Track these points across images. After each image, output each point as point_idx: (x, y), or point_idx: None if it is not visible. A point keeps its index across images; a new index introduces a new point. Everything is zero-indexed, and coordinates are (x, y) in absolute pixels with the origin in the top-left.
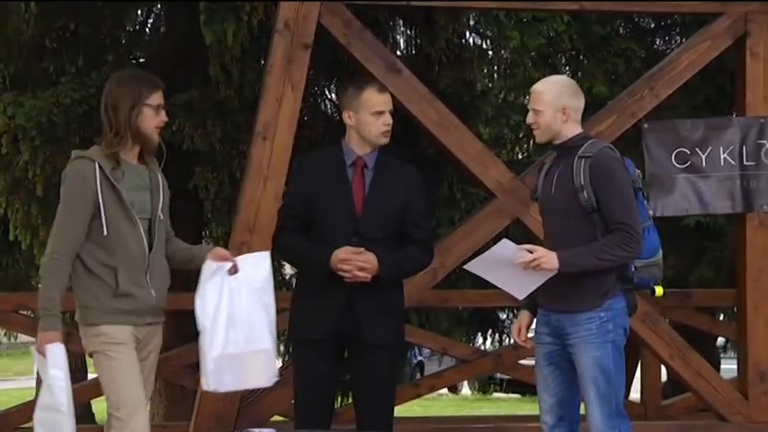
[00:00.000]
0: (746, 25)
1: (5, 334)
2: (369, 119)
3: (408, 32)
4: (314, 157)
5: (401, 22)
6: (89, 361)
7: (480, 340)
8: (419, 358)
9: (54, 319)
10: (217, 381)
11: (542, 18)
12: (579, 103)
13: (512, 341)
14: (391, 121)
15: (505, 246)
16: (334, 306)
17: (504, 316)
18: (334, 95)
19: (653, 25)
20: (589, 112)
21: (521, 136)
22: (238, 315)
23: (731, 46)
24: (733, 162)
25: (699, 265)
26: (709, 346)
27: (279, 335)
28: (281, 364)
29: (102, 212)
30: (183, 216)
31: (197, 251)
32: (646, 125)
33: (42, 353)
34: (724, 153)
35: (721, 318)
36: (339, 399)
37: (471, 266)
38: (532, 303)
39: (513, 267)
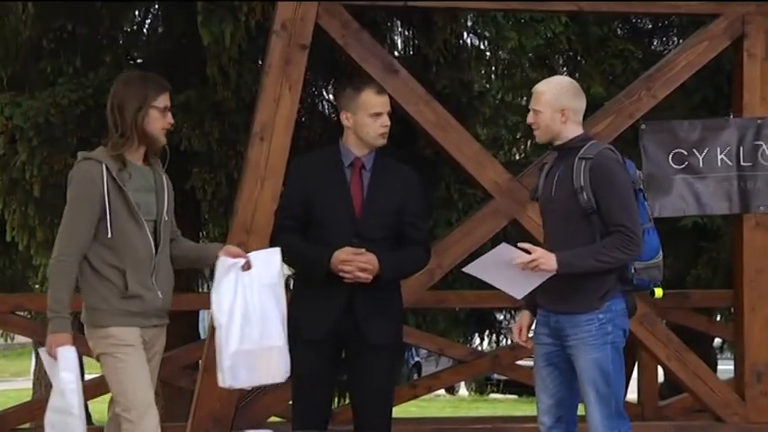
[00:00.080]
0: (744, 26)
1: (2, 335)
2: (367, 120)
3: (406, 33)
4: (311, 158)
5: (399, 22)
6: (87, 362)
7: (477, 341)
8: (416, 359)
9: (63, 321)
10: (233, 377)
11: (540, 19)
12: (579, 104)
13: (509, 342)
14: (389, 123)
15: (504, 249)
16: (334, 307)
17: (502, 317)
18: (331, 96)
19: (650, 26)
20: (586, 113)
21: (518, 137)
22: (252, 311)
23: (728, 47)
24: (730, 163)
25: (696, 265)
26: (706, 347)
27: None
28: None
29: (107, 214)
30: (180, 217)
31: (207, 249)
32: (643, 126)
33: (53, 355)
34: (721, 154)
35: (718, 318)
36: (336, 399)
37: (470, 269)
38: (533, 304)
39: (512, 269)
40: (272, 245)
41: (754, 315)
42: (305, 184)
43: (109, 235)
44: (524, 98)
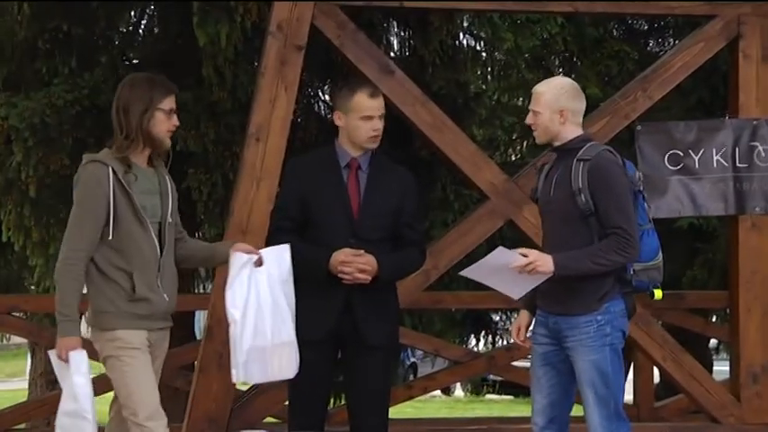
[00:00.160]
0: (739, 27)
1: None
2: (358, 123)
3: (402, 34)
4: (307, 158)
5: (395, 23)
6: None
7: (473, 342)
8: (412, 360)
9: (73, 324)
10: (246, 372)
11: (536, 20)
12: (579, 105)
13: (505, 343)
14: (380, 126)
15: (500, 253)
16: (332, 307)
17: (498, 318)
18: (327, 97)
19: (646, 27)
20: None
21: (514, 138)
22: (265, 308)
23: (724, 48)
24: (726, 164)
25: (691, 266)
26: (702, 348)
27: None
28: None
29: (111, 217)
30: None
31: (217, 248)
32: (639, 127)
33: (64, 359)
34: (717, 155)
35: (714, 319)
36: (332, 400)
37: (467, 273)
38: (531, 304)
39: (509, 272)
40: (268, 246)
41: (749, 316)
42: (301, 184)
43: (110, 237)
44: (520, 99)
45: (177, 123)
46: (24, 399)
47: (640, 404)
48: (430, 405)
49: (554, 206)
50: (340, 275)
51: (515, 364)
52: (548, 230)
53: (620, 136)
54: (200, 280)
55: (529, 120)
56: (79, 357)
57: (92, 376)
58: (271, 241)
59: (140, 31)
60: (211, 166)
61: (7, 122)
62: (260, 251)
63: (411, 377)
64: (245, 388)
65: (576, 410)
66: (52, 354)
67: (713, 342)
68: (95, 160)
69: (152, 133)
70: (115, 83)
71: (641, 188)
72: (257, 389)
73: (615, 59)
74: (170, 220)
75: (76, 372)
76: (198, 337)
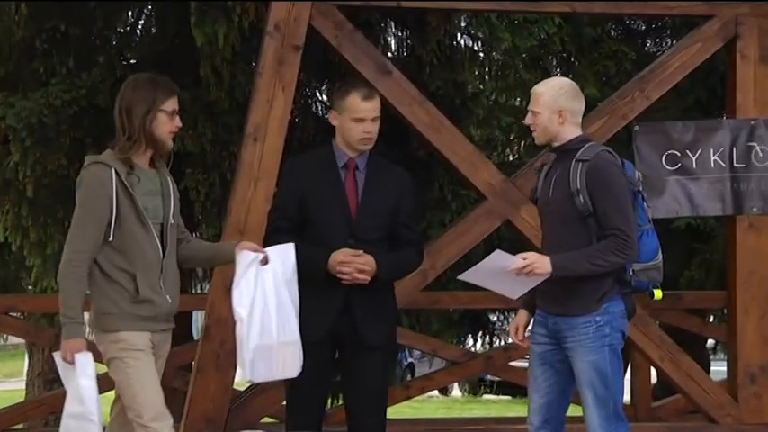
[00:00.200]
0: (737, 27)
1: None
2: (350, 124)
3: (400, 34)
4: (305, 158)
5: (393, 23)
6: None
7: (471, 342)
8: (410, 360)
9: (77, 326)
10: (252, 371)
11: (534, 20)
12: (578, 105)
13: (502, 343)
14: (372, 129)
15: (498, 255)
16: (331, 308)
17: (495, 318)
18: (325, 97)
19: (644, 27)
20: None
21: (512, 138)
22: (271, 306)
23: (722, 48)
24: (723, 164)
25: (689, 267)
26: (699, 348)
27: None
28: None
29: (113, 218)
30: None
31: (221, 248)
32: (636, 127)
33: (69, 361)
34: (714, 155)
35: (711, 320)
36: (329, 400)
37: (465, 276)
38: (530, 303)
39: (507, 274)
40: (266, 246)
41: (747, 316)
42: (298, 184)
43: (110, 238)
44: (518, 99)
45: (180, 125)
46: (22, 399)
47: (638, 404)
48: (427, 405)
49: (553, 207)
50: (339, 275)
51: (513, 364)
52: (547, 231)
53: (618, 136)
54: (198, 280)
55: (528, 120)
56: (85, 360)
57: None
58: (268, 241)
59: (138, 31)
60: (209, 166)
61: (4, 122)
62: (265, 250)
63: (408, 377)
64: (242, 388)
65: (575, 411)
66: (57, 356)
67: (711, 342)
68: (98, 162)
69: (154, 134)
70: (113, 83)
71: (641, 188)
72: (255, 389)
73: (613, 60)
74: (172, 222)
75: (82, 374)
76: (195, 338)
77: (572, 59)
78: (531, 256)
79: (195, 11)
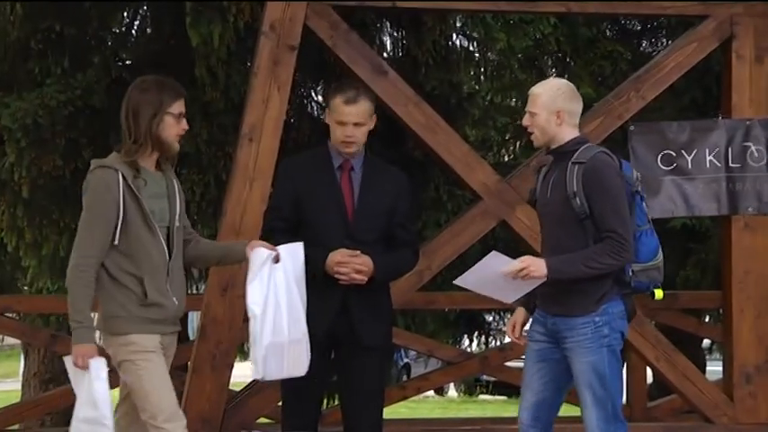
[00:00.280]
0: (732, 27)
1: None
2: (333, 125)
3: (395, 34)
4: (301, 159)
5: (388, 23)
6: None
7: (466, 342)
8: (405, 360)
9: (87, 331)
10: (264, 368)
11: (529, 20)
12: (575, 106)
13: (498, 343)
14: (354, 134)
15: (493, 257)
16: (329, 308)
17: (491, 318)
18: (320, 97)
19: (639, 27)
20: None
21: (507, 138)
22: (282, 304)
23: (717, 48)
24: (719, 164)
25: (684, 267)
26: (695, 348)
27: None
28: None
29: (119, 222)
30: None
31: (232, 248)
32: (632, 127)
33: (80, 366)
34: (710, 155)
35: (707, 320)
36: (325, 401)
37: (461, 281)
38: (529, 302)
39: (503, 278)
40: None
41: (742, 316)
42: (294, 184)
43: (116, 242)
44: (513, 99)
45: (186, 127)
46: (17, 400)
47: (633, 404)
48: (423, 405)
49: (550, 209)
50: (336, 276)
51: (508, 364)
52: (545, 233)
53: (614, 136)
54: (194, 281)
55: (525, 122)
56: (98, 364)
57: None
58: (266, 241)
59: (133, 31)
60: (204, 166)
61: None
62: (276, 248)
63: (404, 378)
64: (238, 388)
65: (574, 411)
66: (68, 360)
67: (706, 342)
68: (104, 165)
69: (161, 137)
70: (108, 83)
71: (639, 188)
72: (251, 389)
73: (608, 60)
74: (178, 224)
75: (96, 379)
76: (191, 338)
77: (567, 59)
78: (526, 260)
79: (190, 11)
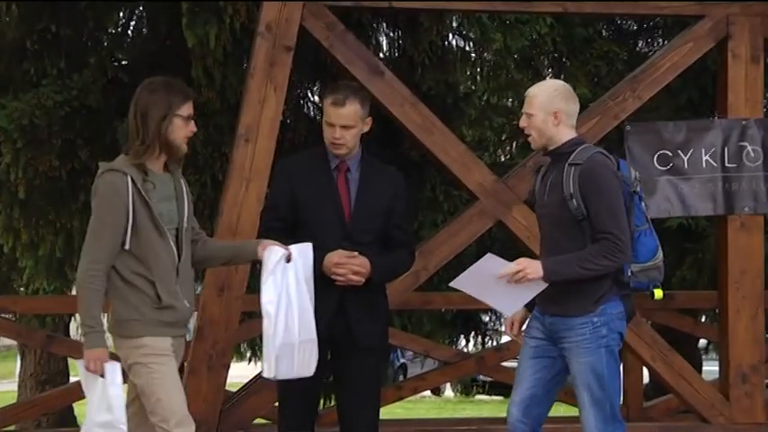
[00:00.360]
0: (728, 27)
1: None
2: (324, 126)
3: (392, 35)
4: (297, 159)
5: (384, 24)
6: (71, 364)
7: (463, 342)
8: (402, 361)
9: (99, 336)
10: (277, 368)
11: (525, 20)
12: (572, 107)
13: (494, 343)
14: (341, 136)
15: (489, 259)
16: (326, 309)
17: (487, 318)
18: (317, 98)
19: (635, 28)
20: None
21: (503, 138)
22: (294, 304)
23: (713, 48)
24: (715, 164)
25: (681, 266)
26: (691, 348)
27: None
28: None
29: (129, 226)
30: None
31: (242, 247)
32: (628, 127)
33: (93, 370)
34: (706, 155)
35: (703, 319)
36: (321, 401)
37: (457, 283)
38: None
39: (499, 283)
40: None
41: (738, 316)
42: (291, 185)
43: (127, 246)
44: (510, 100)
45: (194, 129)
46: (14, 400)
47: (630, 404)
48: (420, 406)
49: (548, 210)
50: (333, 277)
51: (505, 364)
52: (543, 234)
53: (610, 136)
54: None
55: (522, 123)
56: (113, 369)
57: (77, 379)
58: None
59: (129, 32)
60: (201, 166)
61: None
62: (288, 248)
63: (401, 378)
64: (235, 389)
65: (572, 411)
66: (80, 364)
67: (702, 342)
68: (113, 169)
69: (170, 140)
70: (104, 84)
71: (638, 189)
72: (247, 390)
73: (604, 60)
74: (186, 226)
75: (112, 383)
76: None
77: (563, 60)
78: (522, 262)
79: (186, 12)
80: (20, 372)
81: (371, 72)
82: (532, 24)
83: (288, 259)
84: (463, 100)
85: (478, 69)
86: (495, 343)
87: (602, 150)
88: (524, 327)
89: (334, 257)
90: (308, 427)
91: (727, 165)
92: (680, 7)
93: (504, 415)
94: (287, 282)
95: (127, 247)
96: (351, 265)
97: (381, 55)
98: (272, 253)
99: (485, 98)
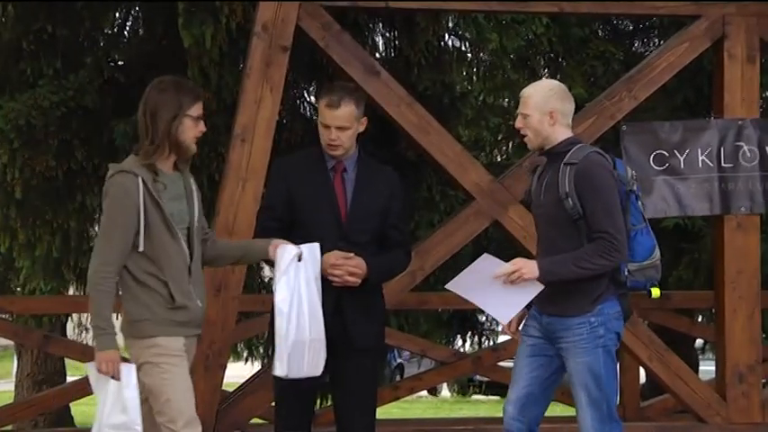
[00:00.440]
0: (724, 27)
1: None
2: (320, 128)
3: (388, 35)
4: (293, 159)
5: (380, 24)
6: (68, 364)
7: (460, 342)
8: (399, 360)
9: (110, 338)
10: (289, 366)
11: (521, 20)
12: (568, 106)
13: (491, 343)
14: (337, 137)
15: (485, 260)
16: (323, 310)
17: (484, 318)
18: (313, 98)
19: (631, 28)
20: None
21: (500, 138)
22: (305, 303)
23: (709, 48)
24: (711, 164)
25: (677, 266)
26: (688, 348)
27: (258, 338)
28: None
29: (141, 228)
30: None
31: (252, 246)
32: (624, 127)
33: (105, 372)
34: (702, 155)
35: (699, 319)
36: (318, 401)
37: (453, 286)
38: None
39: (495, 285)
40: None
41: (735, 316)
42: (287, 184)
43: (141, 248)
44: (506, 100)
45: (204, 129)
46: (11, 400)
47: (626, 404)
48: (416, 405)
49: (544, 210)
50: (330, 278)
51: (501, 364)
52: (539, 234)
53: (606, 136)
54: None
55: (518, 124)
56: (128, 371)
57: (73, 379)
58: None
59: (125, 32)
60: (197, 166)
61: None
62: (299, 246)
63: (398, 378)
64: (231, 389)
65: (569, 411)
66: (91, 366)
67: (699, 342)
68: (123, 170)
69: (179, 140)
70: (100, 84)
71: (634, 187)
72: (244, 390)
73: (600, 60)
74: (197, 225)
75: (127, 385)
76: None
77: (560, 59)
78: (518, 262)
79: (183, 12)
80: (17, 372)
81: (368, 72)
82: (528, 24)
83: (299, 258)
84: (459, 100)
85: (475, 69)
86: (491, 343)
87: (598, 150)
88: (521, 325)
89: (331, 258)
90: (304, 427)
91: (723, 165)
92: (676, 7)
93: (500, 415)
94: (299, 281)
95: (141, 249)
96: (347, 267)
97: (377, 55)
98: (285, 252)
99: (481, 98)
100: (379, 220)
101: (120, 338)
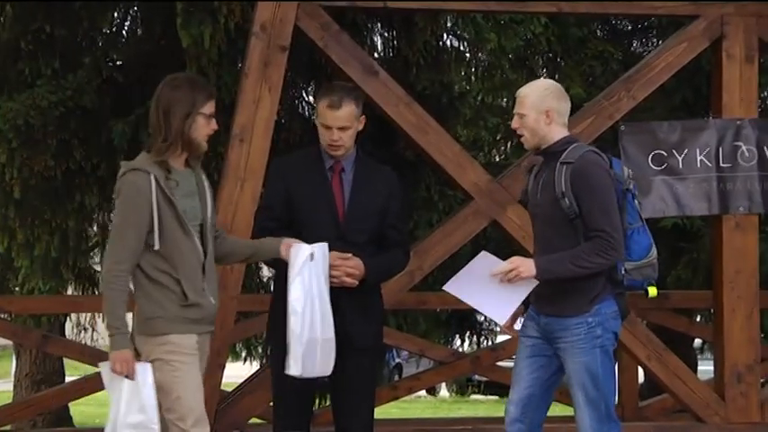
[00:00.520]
0: (722, 27)
1: None
2: (320, 129)
3: (386, 35)
4: (292, 158)
5: (379, 24)
6: (67, 364)
7: (458, 342)
8: (397, 360)
9: (124, 337)
10: (302, 365)
11: (520, 20)
12: (564, 105)
13: (490, 343)
14: (338, 137)
15: (483, 258)
16: None
17: (483, 318)
18: (311, 98)
19: (630, 27)
20: None
21: (498, 138)
22: (317, 302)
23: (708, 48)
24: (709, 164)
25: (676, 266)
26: (686, 348)
27: (257, 338)
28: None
29: (155, 226)
30: None
31: (262, 245)
32: (623, 127)
33: (119, 372)
34: (701, 155)
35: (698, 319)
36: (317, 401)
37: (450, 286)
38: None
39: (492, 283)
40: None
41: (733, 316)
42: (285, 184)
43: (156, 246)
44: (504, 99)
45: (216, 127)
46: (9, 400)
47: (625, 404)
48: (415, 405)
49: (540, 209)
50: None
51: (500, 364)
52: (536, 233)
53: (605, 136)
54: None
55: (514, 124)
56: (144, 370)
57: (72, 378)
58: None
59: (124, 32)
60: None
61: None
62: (309, 247)
63: (396, 378)
64: (230, 388)
65: (567, 411)
66: (104, 366)
67: (698, 342)
68: (135, 168)
69: (192, 138)
70: (99, 84)
71: (631, 186)
72: (243, 389)
73: (599, 60)
74: (210, 222)
75: (144, 384)
76: None
77: (558, 59)
78: (515, 260)
79: (181, 12)
80: (15, 371)
81: (366, 72)
82: (527, 24)
83: (312, 257)
84: (458, 100)
85: (473, 69)
86: (490, 343)
87: (594, 149)
88: (519, 324)
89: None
90: (303, 426)
91: (721, 164)
92: (674, 7)
93: (499, 414)
94: (312, 280)
95: (156, 247)
96: (345, 267)
97: (376, 55)
98: (300, 251)
99: (479, 98)
100: (377, 219)
101: None
